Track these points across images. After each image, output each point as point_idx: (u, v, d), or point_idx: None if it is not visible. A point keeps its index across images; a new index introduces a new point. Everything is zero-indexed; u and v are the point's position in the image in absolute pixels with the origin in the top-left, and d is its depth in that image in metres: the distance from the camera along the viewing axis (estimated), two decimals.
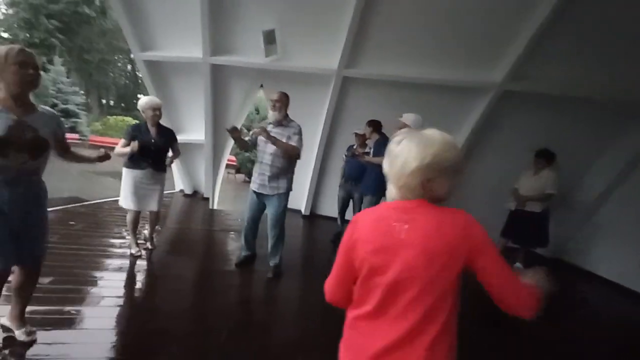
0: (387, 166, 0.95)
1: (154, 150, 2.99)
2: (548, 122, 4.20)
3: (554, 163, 3.88)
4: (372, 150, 3.79)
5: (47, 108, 1.78)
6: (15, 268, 1.76)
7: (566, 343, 2.69)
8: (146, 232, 3.44)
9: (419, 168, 0.86)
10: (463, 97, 4.24)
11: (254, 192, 3.08)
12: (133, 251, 3.17)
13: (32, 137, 1.64)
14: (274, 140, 2.81)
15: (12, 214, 1.62)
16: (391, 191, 0.96)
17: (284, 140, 2.87)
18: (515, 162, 4.13)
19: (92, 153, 2.10)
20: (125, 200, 3.04)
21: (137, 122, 3.16)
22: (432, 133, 0.90)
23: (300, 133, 2.94)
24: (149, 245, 3.37)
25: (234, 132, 2.86)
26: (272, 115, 2.95)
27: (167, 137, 3.10)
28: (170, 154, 3.20)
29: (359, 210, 3.89)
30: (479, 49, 3.81)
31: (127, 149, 2.85)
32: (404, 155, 0.89)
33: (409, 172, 0.88)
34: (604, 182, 4.27)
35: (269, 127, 2.95)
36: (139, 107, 3.01)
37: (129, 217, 3.14)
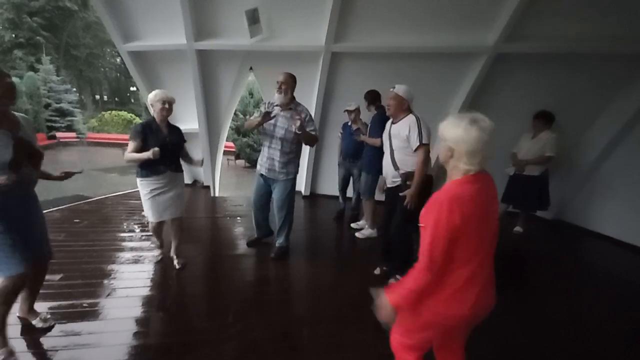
0: (453, 145, 1.17)
1: (170, 149, 2.64)
2: (545, 82, 4.09)
3: (553, 125, 3.83)
4: (369, 126, 3.70)
5: (22, 115, 1.81)
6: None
7: (572, 303, 2.74)
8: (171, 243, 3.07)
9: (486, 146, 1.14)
10: (457, 62, 4.13)
11: (262, 175, 3.07)
12: (156, 253, 3.07)
13: (30, 149, 1.74)
14: (303, 132, 2.73)
15: (22, 220, 1.75)
16: (460, 168, 1.17)
17: (296, 123, 2.79)
18: (515, 125, 4.07)
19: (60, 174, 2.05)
20: (149, 212, 2.75)
21: (142, 120, 2.89)
22: (484, 118, 1.16)
23: (311, 117, 2.92)
24: (176, 263, 2.96)
25: (268, 118, 2.77)
26: (278, 97, 2.86)
27: (179, 134, 2.79)
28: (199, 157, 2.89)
29: (360, 186, 3.89)
30: (469, 12, 3.66)
31: (144, 155, 2.45)
32: (486, 135, 1.14)
33: (487, 151, 1.14)
34: (605, 140, 4.20)
35: (276, 110, 2.89)
36: (148, 100, 2.68)
37: (151, 227, 2.90)
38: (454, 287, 1.19)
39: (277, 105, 2.90)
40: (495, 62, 3.94)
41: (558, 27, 3.59)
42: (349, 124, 4.08)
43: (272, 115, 2.79)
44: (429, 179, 2.54)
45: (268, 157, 2.96)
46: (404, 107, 2.56)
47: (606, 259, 3.75)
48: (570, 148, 4.42)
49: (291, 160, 3.00)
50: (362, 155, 3.81)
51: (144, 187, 2.66)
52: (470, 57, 4.03)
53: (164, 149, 2.53)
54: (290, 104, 2.90)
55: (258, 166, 3.11)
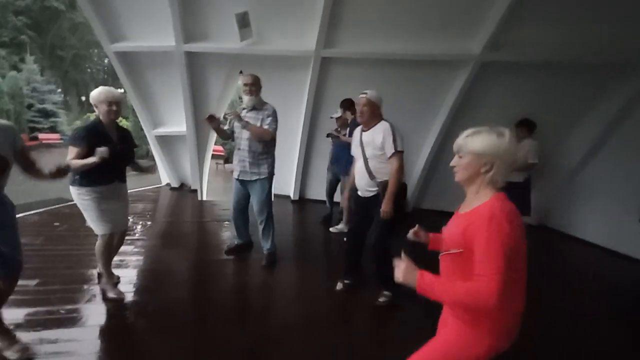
0: (493, 158, 1.13)
1: (121, 158, 2.34)
2: (529, 88, 4.19)
3: (535, 132, 3.92)
4: (348, 129, 3.75)
5: (1, 121, 1.72)
6: None
7: (561, 307, 2.74)
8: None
9: None
10: (444, 70, 4.20)
11: (237, 179, 3.08)
12: (111, 294, 2.45)
13: None
14: (245, 124, 2.79)
15: None
16: (498, 182, 1.18)
17: (258, 124, 2.86)
18: None
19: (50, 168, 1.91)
20: (99, 224, 2.36)
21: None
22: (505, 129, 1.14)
23: (273, 115, 2.91)
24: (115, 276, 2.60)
25: (212, 121, 2.84)
26: (246, 99, 2.90)
27: (129, 139, 2.50)
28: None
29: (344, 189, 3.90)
30: (456, 20, 3.75)
31: (91, 160, 2.09)
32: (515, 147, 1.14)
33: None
34: (586, 145, 4.31)
35: (243, 112, 2.94)
36: (91, 100, 2.32)
37: (100, 245, 2.42)
38: (508, 315, 1.08)
39: (244, 108, 2.96)
40: (481, 68, 4.02)
41: (542, 36, 3.69)
42: (338, 129, 4.10)
43: (217, 118, 2.86)
44: (402, 187, 2.46)
45: (239, 159, 2.99)
46: (378, 113, 2.47)
47: (591, 265, 3.83)
48: (552, 154, 4.52)
49: (262, 160, 2.98)
50: (340, 159, 3.84)
51: (83, 196, 2.27)
52: (457, 65, 4.11)
53: (114, 157, 2.18)
54: (257, 105, 2.92)
55: (234, 171, 3.12)
